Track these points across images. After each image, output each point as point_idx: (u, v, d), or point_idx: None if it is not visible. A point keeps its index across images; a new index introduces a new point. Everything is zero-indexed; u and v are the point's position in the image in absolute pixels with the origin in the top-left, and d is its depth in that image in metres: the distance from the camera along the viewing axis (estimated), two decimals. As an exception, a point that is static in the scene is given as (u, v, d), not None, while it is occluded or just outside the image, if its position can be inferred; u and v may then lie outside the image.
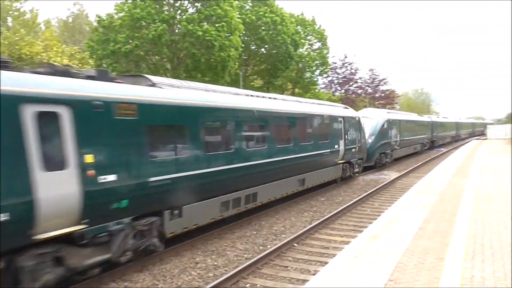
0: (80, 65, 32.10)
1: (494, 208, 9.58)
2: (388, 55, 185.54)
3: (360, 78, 65.04)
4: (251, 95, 14.02)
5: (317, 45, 51.92)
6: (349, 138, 20.57)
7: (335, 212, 13.86)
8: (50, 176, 6.47)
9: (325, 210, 15.01)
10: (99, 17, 32.46)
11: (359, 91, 64.58)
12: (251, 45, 43.05)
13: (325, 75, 57.08)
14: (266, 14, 39.87)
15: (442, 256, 6.25)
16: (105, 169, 7.38)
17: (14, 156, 6.08)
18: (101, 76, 8.24)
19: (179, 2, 33.15)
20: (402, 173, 24.33)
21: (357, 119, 22.44)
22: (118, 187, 7.64)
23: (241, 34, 36.85)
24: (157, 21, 30.21)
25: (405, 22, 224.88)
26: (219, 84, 33.45)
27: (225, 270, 8.85)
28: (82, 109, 7.08)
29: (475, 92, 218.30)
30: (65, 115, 6.77)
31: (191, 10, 33.61)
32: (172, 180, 9.01)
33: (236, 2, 36.44)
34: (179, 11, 33.18)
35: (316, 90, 55.32)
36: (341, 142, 19.60)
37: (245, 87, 37.37)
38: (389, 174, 24.70)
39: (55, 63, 14.42)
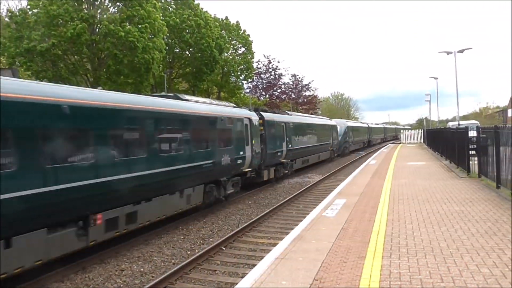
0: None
1: (408, 208, 10.30)
2: (312, 59, 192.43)
3: (283, 83, 66.70)
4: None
5: (241, 50, 52.47)
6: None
7: (262, 214, 14.11)
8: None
9: (252, 213, 15.20)
10: (11, 12, 30.22)
11: (283, 96, 66.19)
12: (175, 48, 42.52)
13: (250, 80, 57.83)
14: (190, 17, 39.58)
15: (363, 255, 6.57)
16: None
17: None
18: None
19: (99, 0, 31.80)
20: (325, 176, 25.41)
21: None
22: None
23: (165, 36, 36.25)
24: (75, 19, 28.63)
25: (331, 24, 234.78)
26: (143, 86, 32.68)
27: (152, 277, 8.67)
28: None
29: (391, 97, 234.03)
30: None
31: (112, 10, 32.43)
32: None
33: (159, 3, 35.76)
34: (100, 10, 31.80)
35: (242, 95, 55.87)
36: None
37: (170, 90, 36.70)
38: (313, 177, 25.65)
39: None
